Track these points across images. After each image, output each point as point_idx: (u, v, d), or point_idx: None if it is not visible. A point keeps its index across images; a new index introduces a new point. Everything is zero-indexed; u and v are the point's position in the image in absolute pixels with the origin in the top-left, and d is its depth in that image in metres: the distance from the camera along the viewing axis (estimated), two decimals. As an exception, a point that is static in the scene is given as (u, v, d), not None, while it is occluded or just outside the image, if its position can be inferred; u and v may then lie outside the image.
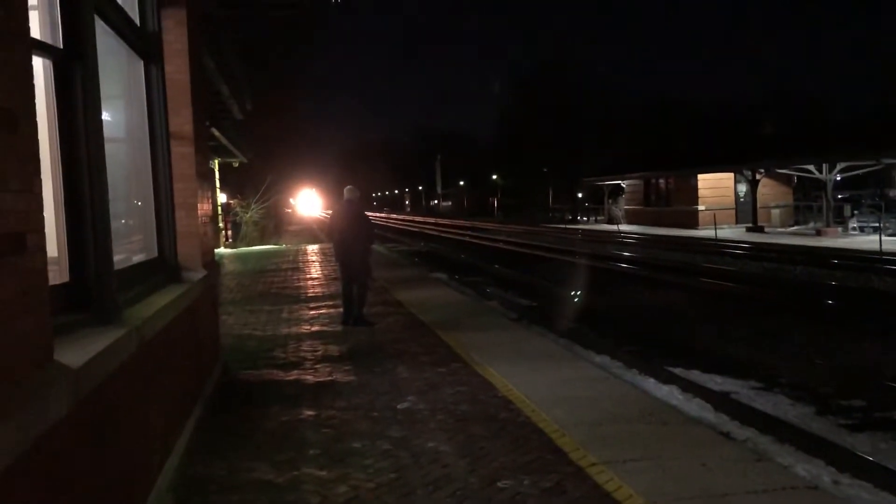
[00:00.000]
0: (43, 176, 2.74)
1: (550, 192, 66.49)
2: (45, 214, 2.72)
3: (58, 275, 3.47)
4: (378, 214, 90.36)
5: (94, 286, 3.63)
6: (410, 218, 79.99)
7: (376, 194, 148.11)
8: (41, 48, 3.31)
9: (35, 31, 3.06)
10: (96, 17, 3.95)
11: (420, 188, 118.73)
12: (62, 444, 2.64)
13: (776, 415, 7.06)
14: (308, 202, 63.77)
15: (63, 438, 2.64)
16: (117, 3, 4.66)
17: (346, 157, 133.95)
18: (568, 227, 46.45)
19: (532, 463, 4.69)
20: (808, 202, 38.73)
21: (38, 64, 3.27)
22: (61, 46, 3.54)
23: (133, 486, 3.75)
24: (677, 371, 8.68)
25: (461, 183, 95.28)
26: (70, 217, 3.61)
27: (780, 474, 4.49)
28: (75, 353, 2.93)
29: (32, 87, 2.64)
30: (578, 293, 15.41)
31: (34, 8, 3.39)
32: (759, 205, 35.00)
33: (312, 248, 27.07)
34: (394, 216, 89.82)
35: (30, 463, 2.29)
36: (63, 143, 3.59)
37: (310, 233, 41.47)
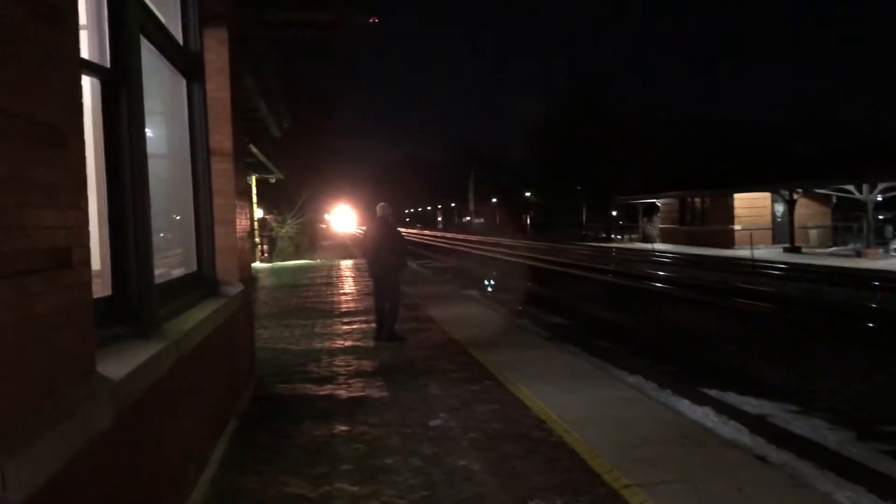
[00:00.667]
0: (88, 191, 2.81)
1: (584, 210, 66.18)
2: (89, 229, 2.80)
3: (100, 288, 3.55)
4: (410, 230, 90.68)
5: (136, 300, 3.70)
6: (442, 234, 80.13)
7: (409, 210, 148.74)
8: (89, 67, 3.41)
9: (84, 51, 3.15)
10: (141, 37, 4.05)
11: (452, 205, 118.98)
12: (103, 456, 2.69)
13: (815, 439, 6.93)
14: (342, 218, 64.16)
15: (104, 450, 2.69)
16: (162, 23, 4.77)
17: (378, 174, 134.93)
18: (601, 245, 46.19)
19: (565, 483, 4.65)
20: (847, 223, 38.05)
21: (86, 83, 3.36)
22: (108, 66, 3.64)
23: (170, 497, 3.80)
24: (712, 393, 8.56)
25: (493, 200, 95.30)
26: (113, 231, 3.69)
27: (820, 501, 4.40)
28: (117, 366, 2.98)
29: (81, 105, 2.72)
30: (610, 312, 15.28)
31: (83, 28, 3.49)
32: (796, 225, 34.46)
33: (346, 264, 27.25)
34: (426, 232, 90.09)
35: (73, 473, 2.34)
36: (108, 159, 3.68)
37: (343, 248, 41.74)
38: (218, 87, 6.33)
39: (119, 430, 2.86)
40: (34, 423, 2.12)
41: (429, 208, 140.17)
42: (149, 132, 4.06)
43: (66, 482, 2.29)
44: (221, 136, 6.39)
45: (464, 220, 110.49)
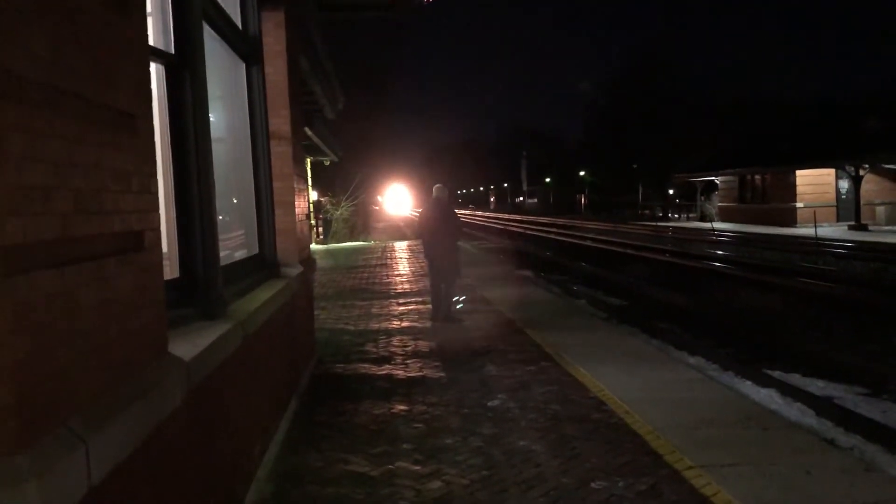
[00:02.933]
0: (157, 176, 2.88)
1: (640, 189, 65.17)
2: (159, 212, 2.86)
3: (168, 270, 3.63)
4: (463, 211, 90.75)
5: (202, 281, 3.79)
6: (495, 215, 79.87)
7: (461, 191, 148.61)
8: (156, 54, 3.47)
9: (150, 38, 3.21)
10: (203, 23, 4.11)
11: (505, 185, 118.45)
12: (176, 433, 2.76)
13: (885, 422, 6.72)
14: (395, 199, 64.44)
15: (177, 427, 2.77)
16: (222, 8, 4.83)
17: (431, 155, 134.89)
18: (658, 224, 45.43)
19: (626, 465, 4.62)
20: (917, 199, 36.61)
21: (152, 69, 3.43)
22: (173, 52, 3.71)
23: (236, 475, 3.90)
24: (776, 374, 8.37)
25: (547, 180, 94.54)
26: (180, 215, 3.77)
27: (892, 486, 4.26)
28: (186, 346, 3.06)
29: (150, 91, 2.78)
30: (669, 293, 15.06)
31: (149, 15, 3.55)
32: (862, 202, 33.31)
33: (400, 245, 27.42)
34: (479, 213, 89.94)
35: (149, 450, 2.41)
36: (174, 143, 3.76)
37: (397, 230, 41.99)
38: (276, 70, 6.40)
39: (189, 408, 2.93)
40: (113, 402, 2.19)
41: (481, 189, 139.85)
42: (211, 117, 4.13)
43: (143, 459, 2.36)
44: (280, 120, 6.46)
45: (516, 200, 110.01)
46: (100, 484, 1.97)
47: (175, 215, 3.80)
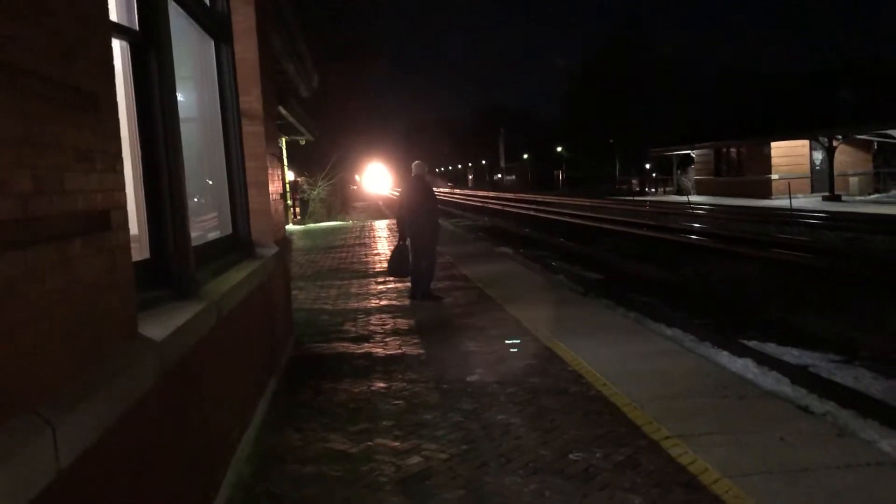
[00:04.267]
0: (122, 155, 2.82)
1: (617, 164, 65.33)
2: (125, 192, 2.81)
3: (138, 252, 3.58)
4: (441, 189, 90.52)
5: (174, 262, 3.74)
6: (473, 192, 79.78)
7: (439, 169, 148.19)
8: (118, 30, 3.40)
9: (112, 14, 3.13)
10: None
11: (483, 162, 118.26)
12: (150, 415, 2.74)
13: (858, 388, 6.83)
14: (373, 179, 64.14)
15: (150, 409, 2.74)
16: (188, -16, 4.73)
17: (409, 133, 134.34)
18: (635, 198, 45.67)
19: (604, 436, 4.66)
20: (889, 169, 37.08)
21: (116, 46, 3.35)
22: (137, 28, 3.63)
23: (214, 456, 3.88)
24: (752, 344, 8.47)
25: (525, 156, 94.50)
26: (149, 195, 3.71)
27: (864, 450, 4.34)
28: (158, 327, 3.02)
29: (113, 68, 2.71)
30: (646, 266, 15.16)
31: (111, -9, 3.47)
32: (836, 173, 33.67)
33: (379, 224, 27.34)
34: (457, 191, 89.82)
35: (121, 433, 2.38)
36: (140, 123, 3.69)
37: (375, 209, 41.87)
38: (246, 47, 6.30)
39: (163, 390, 2.90)
40: (82, 384, 2.16)
41: (459, 167, 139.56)
42: (179, 96, 4.06)
43: (116, 442, 2.33)
44: (251, 98, 6.37)
45: (495, 177, 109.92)
46: (69, 468, 1.95)
47: (144, 196, 3.74)
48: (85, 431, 2.08)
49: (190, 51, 5.35)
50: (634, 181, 60.52)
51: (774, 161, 37.74)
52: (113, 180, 2.61)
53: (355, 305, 10.11)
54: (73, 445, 1.98)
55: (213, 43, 5.72)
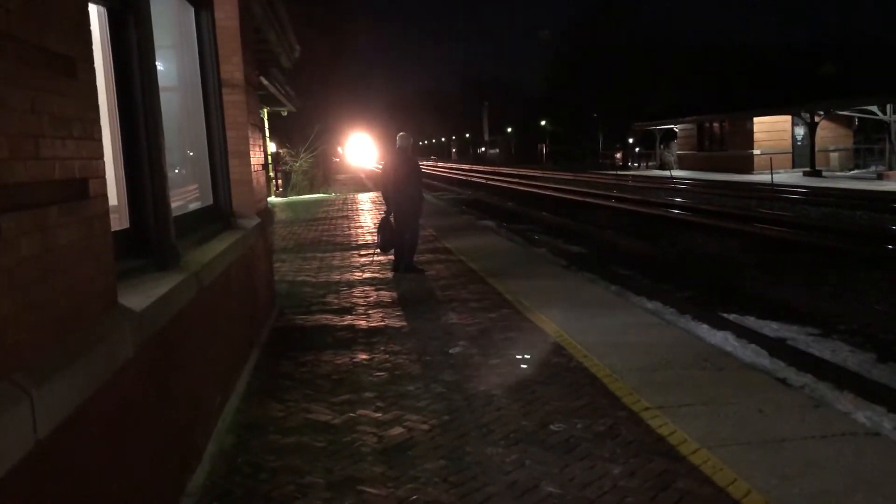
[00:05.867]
0: (101, 123, 2.77)
1: (601, 138, 65.32)
2: (104, 161, 2.77)
3: (118, 222, 3.54)
4: (425, 163, 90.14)
5: (154, 233, 3.70)
6: (457, 166, 79.54)
7: (423, 142, 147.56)
8: (95, -5, 3.32)
9: (89, -22, 3.06)
10: (147, -36, 3.94)
11: (467, 136, 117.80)
12: (130, 385, 2.72)
13: (835, 361, 6.92)
14: (356, 151, 63.66)
15: (130, 379, 2.72)
16: (167, -51, 4.64)
17: (392, 106, 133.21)
18: (619, 173, 45.71)
19: (585, 407, 4.70)
20: (869, 145, 37.35)
21: (93, 11, 3.28)
22: (114, -7, 3.55)
23: (196, 427, 3.88)
24: (732, 317, 8.55)
25: (508, 130, 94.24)
26: (128, 165, 3.67)
27: (840, 420, 4.41)
28: (138, 297, 3.00)
29: (89, 33, 2.66)
30: (628, 240, 15.23)
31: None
32: (817, 148, 33.87)
33: (362, 197, 27.23)
34: (440, 164, 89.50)
35: (100, 402, 2.37)
36: (119, 91, 3.63)
37: (358, 182, 41.68)
38: (226, 15, 6.20)
39: (143, 360, 2.89)
40: (60, 354, 2.14)
41: (443, 140, 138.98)
42: (159, 65, 3.99)
43: (95, 411, 2.32)
44: (231, 67, 6.29)
45: (478, 151, 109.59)
46: (47, 438, 1.94)
47: (124, 166, 3.69)
48: (63, 401, 2.06)
49: (169, 18, 5.26)
50: (618, 156, 60.57)
51: (757, 136, 37.89)
52: (91, 148, 2.57)
53: (338, 277, 10.08)
54: (51, 415, 1.96)
55: (193, 10, 5.63)
